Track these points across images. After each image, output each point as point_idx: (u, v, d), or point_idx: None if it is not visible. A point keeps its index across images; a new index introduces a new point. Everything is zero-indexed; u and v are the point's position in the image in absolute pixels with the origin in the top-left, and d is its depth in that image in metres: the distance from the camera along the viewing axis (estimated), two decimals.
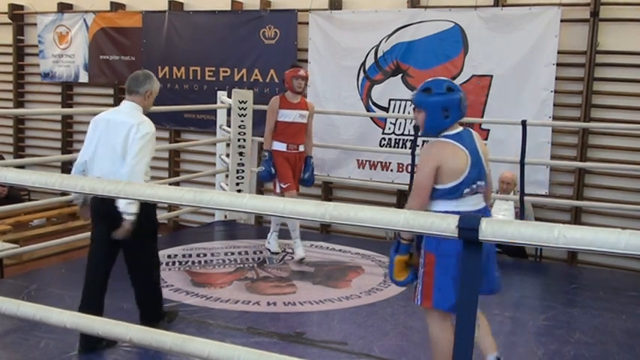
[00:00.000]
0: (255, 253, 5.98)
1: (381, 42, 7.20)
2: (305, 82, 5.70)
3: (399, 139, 7.25)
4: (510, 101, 6.62)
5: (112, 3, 8.86)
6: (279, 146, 5.63)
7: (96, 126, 3.78)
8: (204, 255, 5.84)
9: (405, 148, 7.07)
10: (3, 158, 8.78)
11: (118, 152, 3.60)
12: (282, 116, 5.59)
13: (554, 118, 6.54)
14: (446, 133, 3.04)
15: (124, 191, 2.14)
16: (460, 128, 3.08)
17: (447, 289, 2.94)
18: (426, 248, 3.01)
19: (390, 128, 7.28)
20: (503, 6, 6.71)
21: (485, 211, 3.12)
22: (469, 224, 1.68)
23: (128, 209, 3.48)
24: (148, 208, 3.66)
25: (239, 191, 6.87)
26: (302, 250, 5.71)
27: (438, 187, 2.97)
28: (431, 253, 2.99)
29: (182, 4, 8.50)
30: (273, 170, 5.60)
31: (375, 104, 7.32)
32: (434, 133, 3.08)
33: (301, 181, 5.82)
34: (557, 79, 6.48)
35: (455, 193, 2.97)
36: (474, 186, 3.02)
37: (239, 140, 6.85)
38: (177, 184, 7.80)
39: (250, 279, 5.21)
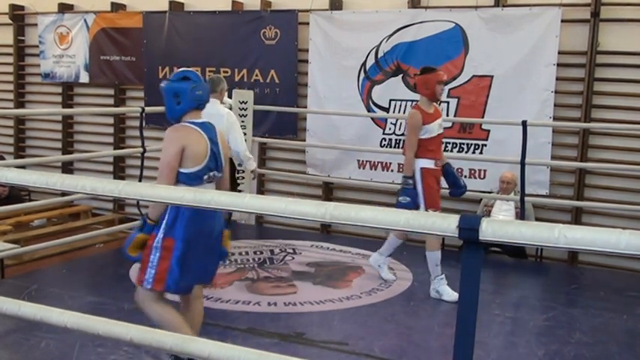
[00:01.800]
0: (255, 253, 5.98)
1: (381, 42, 7.20)
2: None
3: (400, 140, 7.24)
4: (511, 101, 6.61)
5: (112, 3, 8.85)
6: (428, 163, 4.75)
7: None
8: None
9: None
10: (3, 158, 8.79)
11: None
12: (427, 132, 4.71)
13: (555, 118, 6.53)
14: (191, 120, 3.24)
15: (124, 191, 2.14)
16: (204, 119, 3.32)
17: (179, 272, 3.13)
18: (165, 233, 3.14)
19: (390, 129, 7.28)
20: (503, 6, 6.71)
21: None
22: (469, 224, 1.68)
23: (252, 166, 5.57)
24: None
25: (239, 191, 6.87)
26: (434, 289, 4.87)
27: (182, 170, 3.15)
28: (171, 238, 3.12)
29: (183, 4, 8.50)
30: (418, 200, 4.73)
31: (375, 104, 7.32)
32: (173, 119, 3.29)
33: (458, 192, 5.06)
34: (557, 79, 6.48)
35: (196, 178, 3.17)
36: (212, 174, 3.26)
37: None
38: None
39: (251, 279, 5.22)
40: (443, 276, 4.80)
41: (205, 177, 3.22)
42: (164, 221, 3.15)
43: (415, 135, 4.67)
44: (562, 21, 6.40)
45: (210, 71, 8.23)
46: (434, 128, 4.74)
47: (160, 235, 3.14)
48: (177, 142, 3.15)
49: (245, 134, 6.82)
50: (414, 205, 4.65)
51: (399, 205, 4.66)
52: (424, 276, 5.35)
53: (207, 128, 3.27)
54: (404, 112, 7.15)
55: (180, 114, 3.25)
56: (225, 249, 3.43)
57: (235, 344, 2.24)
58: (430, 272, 4.84)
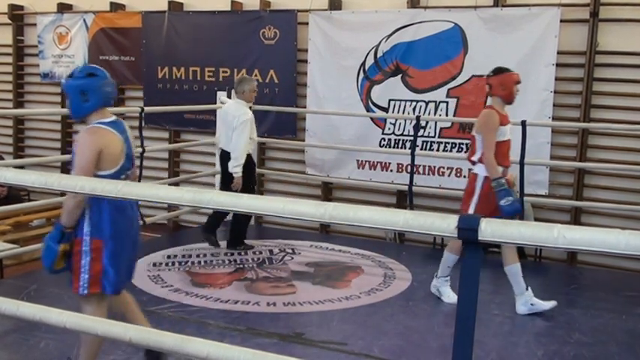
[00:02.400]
0: (254, 253, 5.98)
1: (380, 42, 7.19)
2: None
3: (399, 140, 7.24)
4: None
5: (111, 3, 8.85)
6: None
7: (219, 114, 6.29)
8: (204, 255, 5.84)
9: (405, 148, 7.07)
10: (3, 158, 8.78)
11: (230, 130, 5.72)
12: (501, 134, 4.47)
13: (554, 118, 6.53)
14: (102, 120, 3.14)
15: (122, 191, 2.14)
16: (113, 117, 3.21)
17: (112, 272, 3.09)
18: (92, 235, 3.08)
19: (389, 129, 7.27)
20: (502, 6, 6.71)
21: None
22: (469, 224, 1.68)
23: (234, 171, 5.68)
24: (247, 173, 5.78)
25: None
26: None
27: (100, 173, 3.06)
28: (98, 239, 3.07)
29: (182, 4, 8.49)
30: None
31: (374, 104, 7.32)
32: (79, 117, 3.19)
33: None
34: (556, 79, 6.48)
35: (114, 179, 3.06)
36: (129, 172, 3.20)
37: None
38: (176, 184, 7.81)
39: (250, 279, 5.21)
40: (449, 278, 4.75)
41: (123, 177, 3.15)
42: (87, 224, 3.07)
43: (493, 135, 4.41)
44: (561, 21, 6.40)
45: (209, 71, 8.24)
46: (507, 131, 4.55)
47: (87, 237, 3.07)
48: (94, 146, 3.04)
49: None
50: (519, 205, 4.40)
51: (505, 211, 4.27)
52: (423, 276, 5.35)
53: (118, 126, 3.19)
54: (403, 112, 7.15)
55: (87, 112, 3.14)
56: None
57: (234, 344, 2.24)
58: (439, 269, 4.78)
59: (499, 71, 4.61)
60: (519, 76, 4.65)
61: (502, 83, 4.53)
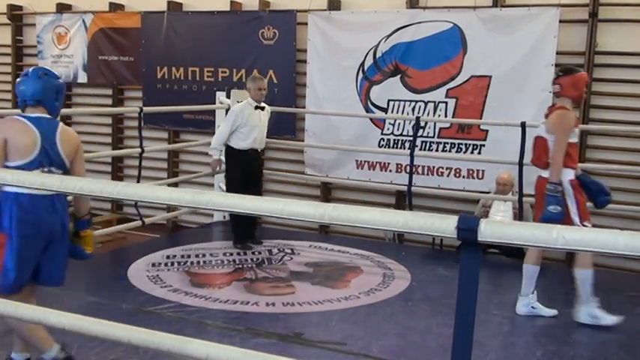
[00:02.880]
0: (253, 253, 5.97)
1: (380, 42, 7.20)
2: None
3: (398, 140, 7.25)
4: (509, 102, 6.62)
5: (110, 3, 8.85)
6: (572, 174, 4.34)
7: None
8: (203, 255, 5.84)
9: (404, 148, 7.07)
10: None
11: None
12: (574, 136, 4.33)
13: None
14: (25, 114, 3.23)
15: (122, 192, 2.14)
16: (42, 115, 3.22)
17: (13, 271, 3.01)
18: None
19: (388, 129, 7.28)
20: (502, 7, 6.71)
21: (55, 198, 3.16)
22: (468, 225, 1.68)
23: (209, 152, 6.25)
24: (229, 166, 6.12)
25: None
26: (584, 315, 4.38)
27: (9, 163, 3.06)
28: (2, 233, 3.01)
29: (181, 4, 8.50)
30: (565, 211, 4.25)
31: (373, 105, 7.32)
32: None
33: (606, 200, 4.61)
34: None
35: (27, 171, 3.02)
36: (46, 169, 3.12)
37: None
38: (176, 184, 7.81)
39: (249, 279, 5.21)
40: (597, 300, 4.41)
41: (37, 171, 3.07)
42: None
43: (567, 137, 4.24)
44: (560, 21, 6.41)
45: (208, 71, 8.25)
46: (577, 133, 4.40)
47: None
48: None
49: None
50: (563, 216, 4.19)
51: (547, 216, 4.15)
52: (422, 276, 5.36)
53: (41, 122, 3.17)
54: (402, 113, 7.15)
55: (21, 108, 3.26)
56: (83, 249, 3.33)
57: (233, 345, 2.24)
58: (582, 295, 4.38)
59: (570, 71, 4.46)
60: (587, 76, 4.52)
61: (574, 84, 4.36)
